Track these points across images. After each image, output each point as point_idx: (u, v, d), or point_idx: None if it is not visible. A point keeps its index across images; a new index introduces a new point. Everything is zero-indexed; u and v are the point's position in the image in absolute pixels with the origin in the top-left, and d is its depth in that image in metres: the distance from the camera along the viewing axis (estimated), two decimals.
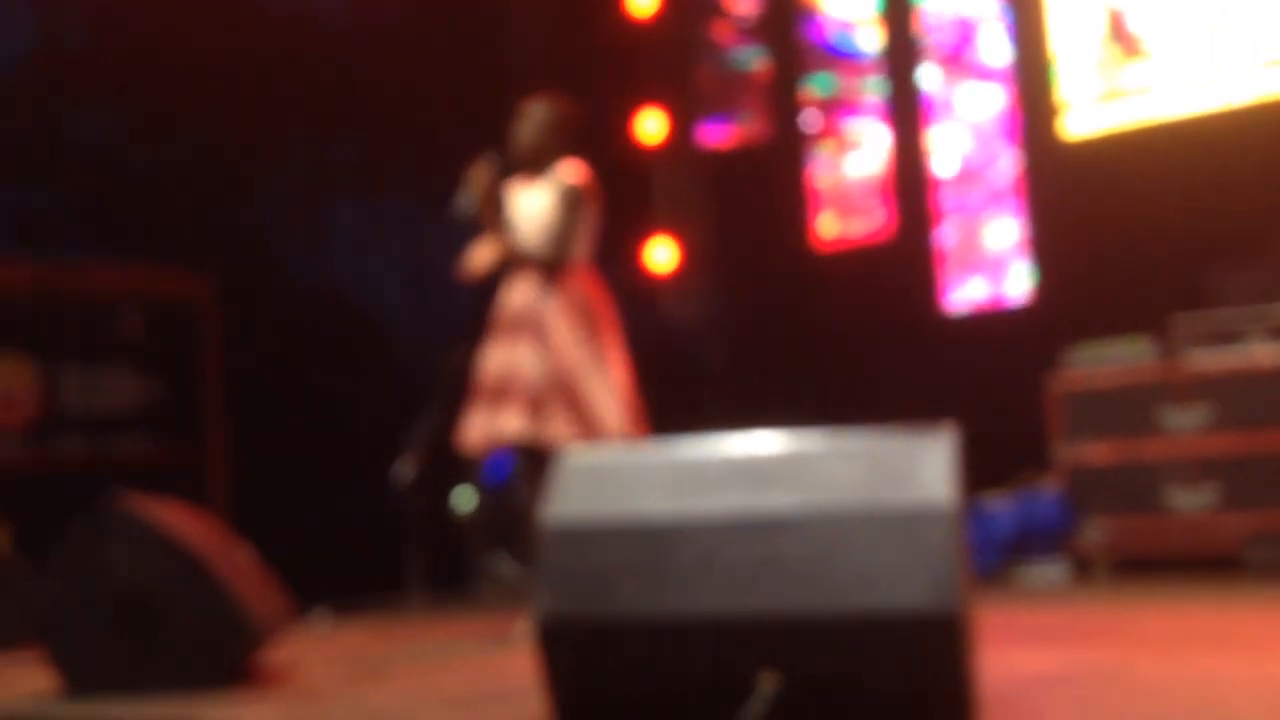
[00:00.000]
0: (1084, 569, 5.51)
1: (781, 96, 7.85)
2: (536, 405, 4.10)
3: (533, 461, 4.18)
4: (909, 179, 7.29)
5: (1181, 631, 3.35)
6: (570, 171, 4.32)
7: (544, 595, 2.07)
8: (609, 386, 4.18)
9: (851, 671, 1.97)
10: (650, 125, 8.11)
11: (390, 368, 10.88)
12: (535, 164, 4.38)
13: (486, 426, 4.16)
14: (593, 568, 2.07)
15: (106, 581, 2.81)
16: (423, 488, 6.38)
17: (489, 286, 4.50)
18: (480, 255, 4.36)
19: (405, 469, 6.18)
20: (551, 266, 4.24)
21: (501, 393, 4.16)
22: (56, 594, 2.83)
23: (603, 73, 8.10)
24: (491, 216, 4.26)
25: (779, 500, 2.04)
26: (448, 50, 8.85)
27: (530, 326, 4.19)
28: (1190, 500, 5.32)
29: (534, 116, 4.40)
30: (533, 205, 4.36)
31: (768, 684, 1.95)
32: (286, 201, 14.60)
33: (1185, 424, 5.35)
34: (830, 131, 7.75)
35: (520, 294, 4.27)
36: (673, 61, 8.14)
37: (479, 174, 4.23)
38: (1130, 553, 5.43)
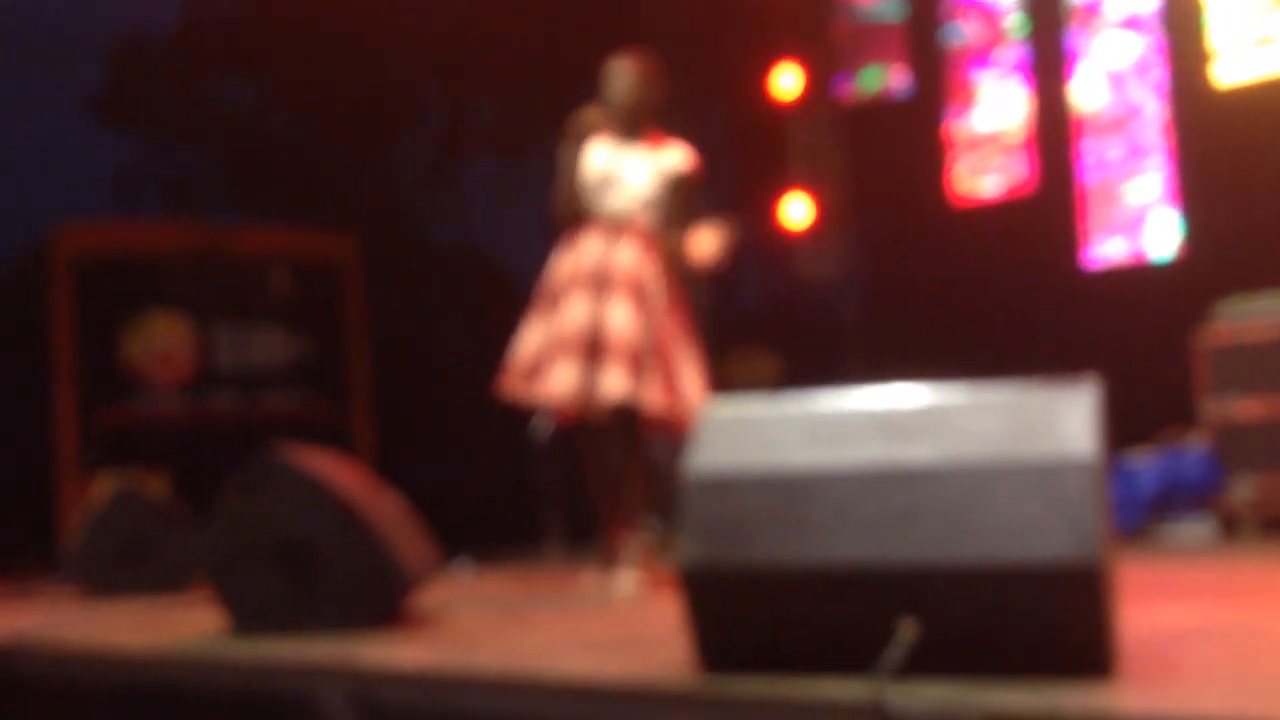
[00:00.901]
0: (1230, 527, 5.41)
1: (919, 48, 7.75)
2: (637, 368, 4.04)
3: (621, 422, 4.15)
4: (1050, 132, 7.15)
5: None
6: (684, 155, 4.33)
7: (688, 544, 2.12)
8: (694, 362, 4.20)
9: (991, 620, 1.99)
10: (785, 80, 8.07)
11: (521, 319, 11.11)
12: (629, 125, 4.34)
13: (584, 383, 4.06)
14: (735, 517, 2.12)
15: (268, 527, 2.96)
16: (560, 443, 6.52)
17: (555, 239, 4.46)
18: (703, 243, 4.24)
19: (542, 424, 6.30)
20: (655, 238, 4.24)
21: (595, 349, 4.07)
22: (224, 539, 2.99)
23: (737, 28, 8.08)
24: (576, 156, 4.29)
25: (919, 452, 2.06)
26: (582, 8, 8.92)
27: (628, 287, 4.13)
28: None
29: (626, 75, 4.35)
30: (635, 171, 4.31)
31: (907, 631, 1.98)
32: (425, 162, 14.87)
33: None
34: (968, 84, 7.63)
35: (615, 254, 4.20)
36: (808, 15, 8.07)
37: (591, 115, 4.28)
38: (1278, 511, 5.30)
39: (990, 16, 7.53)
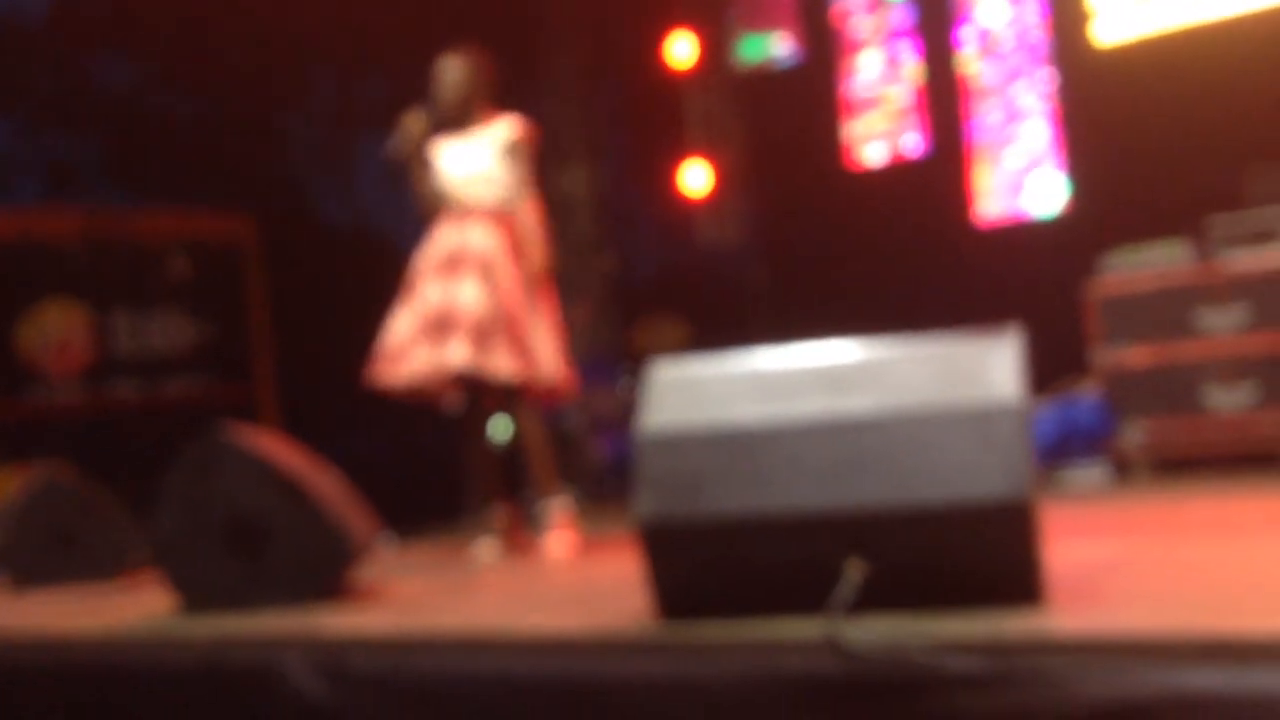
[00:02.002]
0: (1124, 471, 5.65)
1: (809, 15, 7.90)
2: (481, 337, 4.23)
3: (477, 391, 4.42)
4: (939, 94, 7.36)
5: (1226, 521, 3.51)
6: (513, 125, 4.51)
7: (644, 498, 2.23)
8: (547, 328, 4.39)
9: (932, 557, 2.13)
10: (681, 48, 8.17)
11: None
12: (460, 117, 4.55)
13: (431, 358, 4.28)
14: (687, 472, 2.23)
15: (216, 507, 3.00)
16: (472, 417, 6.57)
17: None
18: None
19: (456, 399, 6.34)
20: (503, 214, 4.45)
21: (443, 326, 4.28)
22: (170, 520, 3.02)
23: None
24: (419, 164, 4.48)
25: (859, 402, 2.19)
26: None
27: (476, 265, 4.34)
28: (1228, 400, 5.45)
29: (455, 71, 4.55)
30: (473, 155, 4.52)
31: (855, 571, 2.11)
32: (315, 139, 14.68)
33: (1222, 324, 5.46)
34: (859, 48, 7.81)
35: (465, 235, 4.41)
36: None
37: (411, 122, 4.46)
38: (1169, 453, 5.57)
39: None
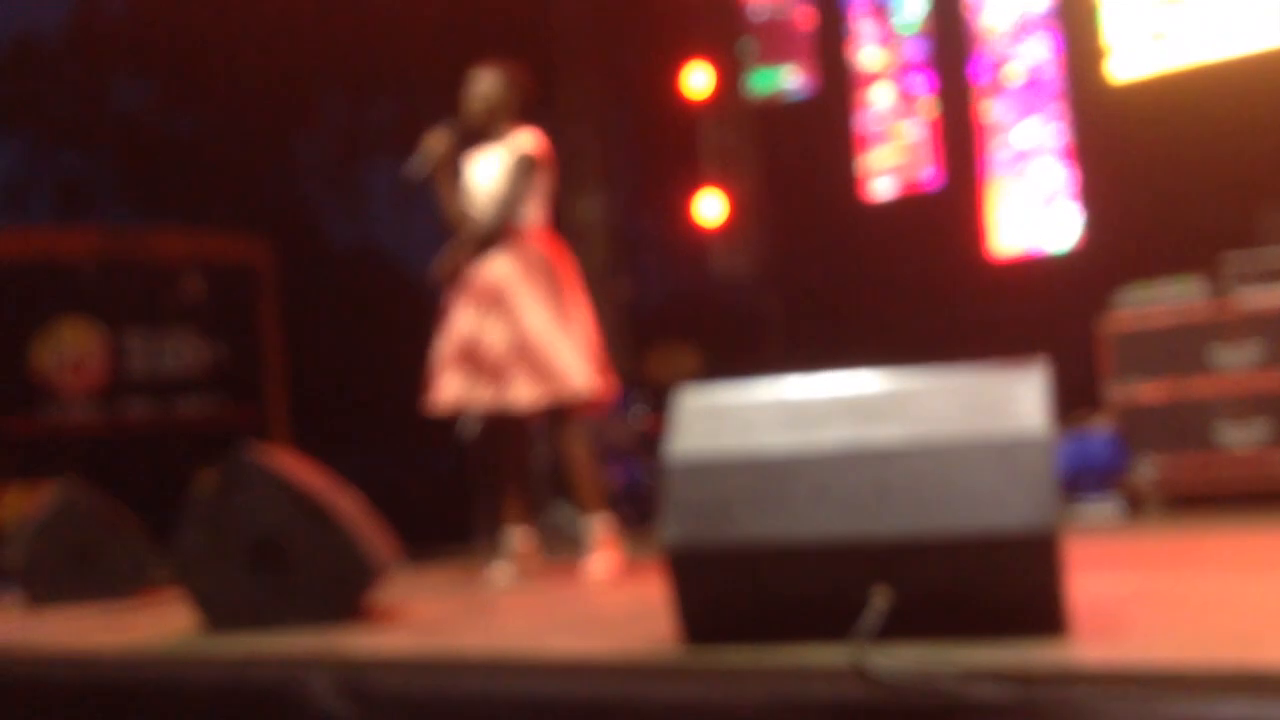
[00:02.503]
0: (1136, 506, 5.65)
1: (825, 47, 7.95)
2: (499, 375, 4.28)
3: (498, 424, 4.46)
4: (953, 128, 7.40)
5: (1243, 556, 3.51)
6: (526, 139, 4.45)
7: (671, 523, 2.25)
8: (572, 345, 4.35)
9: (958, 587, 2.15)
10: (697, 79, 8.23)
11: (431, 324, 11.12)
12: (487, 129, 4.51)
13: (460, 390, 4.35)
14: (715, 498, 2.25)
15: (240, 526, 3.02)
16: (485, 441, 6.60)
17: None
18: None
19: (469, 423, 6.36)
20: (498, 232, 4.39)
21: (471, 358, 4.34)
22: (194, 539, 3.04)
23: (648, 27, 8.22)
24: (445, 182, 4.44)
25: (887, 432, 2.21)
26: (488, 6, 8.97)
27: (491, 298, 4.35)
28: (1241, 436, 5.45)
29: (483, 83, 4.51)
30: (488, 171, 4.50)
31: (881, 599, 2.12)
32: (326, 163, 14.74)
33: (1235, 361, 5.47)
34: (873, 81, 7.85)
35: (484, 264, 4.40)
36: (719, 15, 8.24)
37: (435, 140, 4.40)
38: (1181, 489, 5.57)
39: (894, 16, 7.76)
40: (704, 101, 8.23)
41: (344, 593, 3.05)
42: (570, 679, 2.23)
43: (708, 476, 2.26)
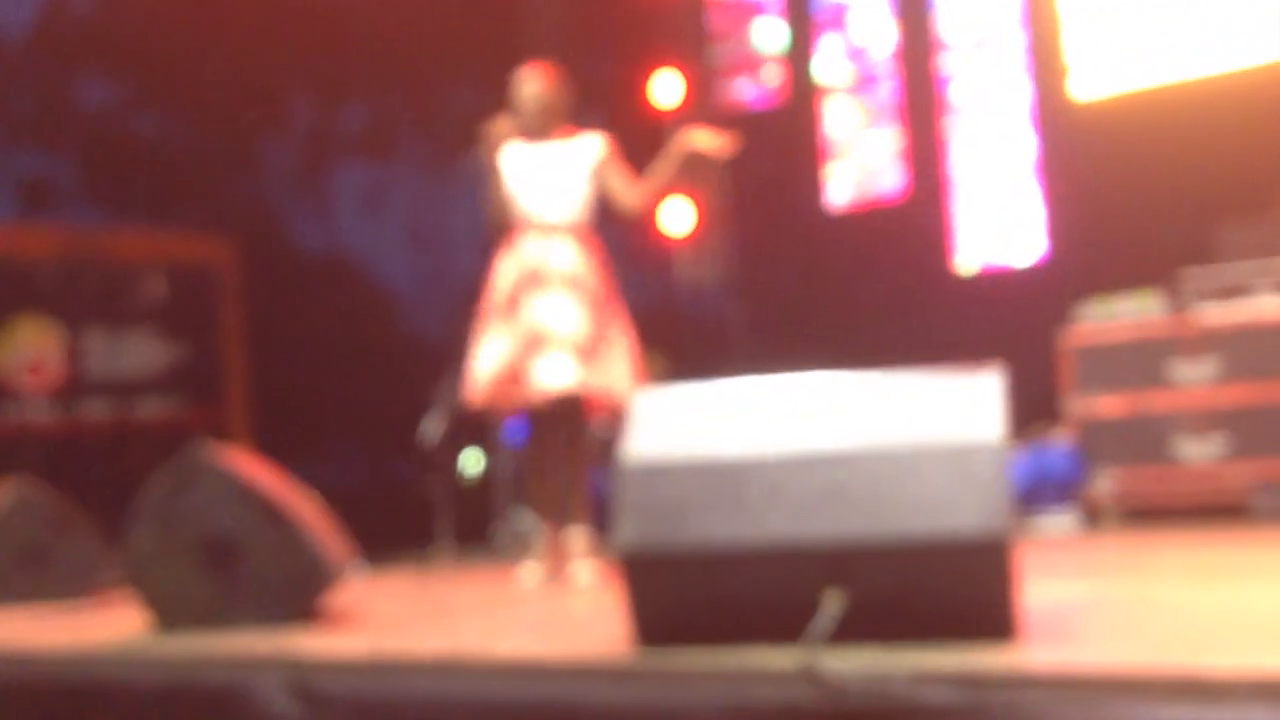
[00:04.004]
0: (1094, 518, 5.69)
1: (793, 58, 7.99)
2: (583, 355, 4.25)
3: (561, 412, 4.36)
4: (919, 140, 7.45)
5: (1197, 566, 3.55)
6: (599, 139, 4.54)
7: (625, 526, 2.25)
8: (625, 349, 4.40)
9: (910, 591, 2.16)
10: (666, 87, 8.24)
11: (396, 329, 11.06)
12: (540, 129, 4.54)
13: (529, 378, 4.27)
14: (669, 501, 2.24)
15: (192, 526, 2.99)
16: (445, 447, 6.58)
17: (492, 248, 4.64)
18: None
19: (432, 429, 6.34)
20: (585, 230, 4.47)
21: (536, 344, 4.27)
22: (145, 538, 3.01)
23: (617, 36, 8.23)
24: (495, 171, 4.47)
25: (841, 435, 2.22)
26: (457, 12, 8.95)
27: (565, 281, 4.33)
28: (1198, 451, 5.51)
29: (534, 84, 4.56)
30: (554, 170, 4.51)
31: (833, 602, 2.13)
32: (293, 164, 14.67)
33: (1193, 376, 5.53)
34: (840, 92, 7.89)
35: (549, 252, 4.39)
36: (687, 24, 8.26)
37: (499, 128, 4.45)
38: (1139, 502, 5.62)
39: (860, 30, 7.81)
40: (672, 111, 8.24)
41: (297, 594, 3.03)
42: (522, 681, 2.22)
43: (661, 479, 2.26)
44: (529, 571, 4.38)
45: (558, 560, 4.44)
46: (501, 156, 4.50)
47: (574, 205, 4.48)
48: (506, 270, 4.44)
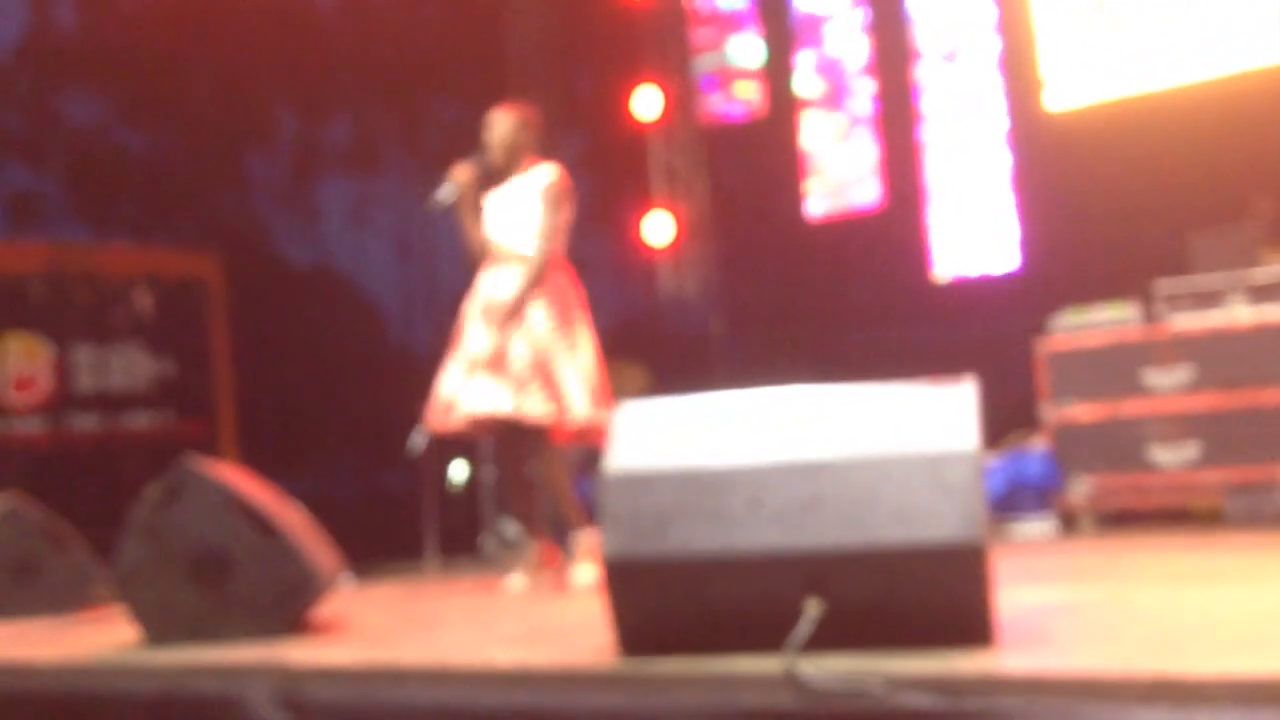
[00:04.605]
0: (1069, 524, 5.75)
1: (772, 71, 8.06)
2: (519, 383, 4.45)
3: (511, 434, 4.58)
4: (896, 152, 7.52)
5: (1171, 571, 3.61)
6: (548, 172, 4.71)
7: (609, 536, 2.30)
8: (579, 371, 4.54)
9: (888, 597, 2.21)
10: (646, 101, 8.31)
11: (383, 341, 11.08)
12: (507, 167, 4.77)
13: (475, 403, 4.49)
14: (651, 511, 2.29)
15: (182, 539, 3.03)
16: (433, 458, 6.62)
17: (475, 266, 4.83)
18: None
19: (418, 440, 6.37)
20: (539, 262, 4.60)
21: (485, 371, 4.49)
22: (135, 550, 3.04)
23: (598, 51, 8.29)
24: (468, 212, 4.70)
25: (819, 445, 2.27)
26: (441, 27, 9.01)
27: (508, 312, 4.53)
28: (1171, 457, 5.57)
29: (502, 123, 4.78)
30: (512, 203, 4.72)
31: (813, 610, 2.18)
32: (278, 179, 14.68)
33: (1167, 384, 5.60)
34: (819, 105, 7.97)
35: (498, 283, 4.62)
36: (669, 39, 8.33)
37: (461, 172, 4.69)
38: (1114, 508, 5.68)
39: (836, 43, 7.88)
40: (653, 124, 8.31)
41: (287, 606, 3.07)
42: (509, 689, 2.27)
43: (644, 489, 2.31)
44: (516, 581, 4.47)
45: (544, 571, 4.58)
46: (479, 198, 4.73)
47: (528, 235, 4.64)
48: (469, 301, 4.68)
